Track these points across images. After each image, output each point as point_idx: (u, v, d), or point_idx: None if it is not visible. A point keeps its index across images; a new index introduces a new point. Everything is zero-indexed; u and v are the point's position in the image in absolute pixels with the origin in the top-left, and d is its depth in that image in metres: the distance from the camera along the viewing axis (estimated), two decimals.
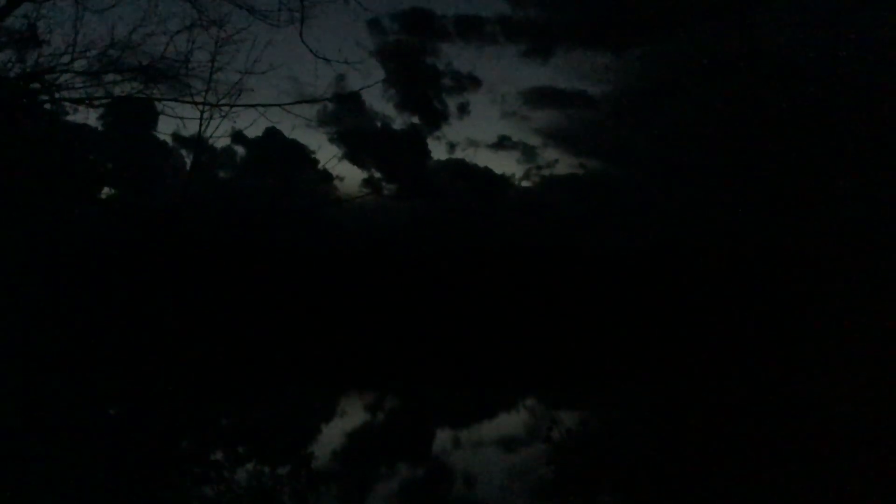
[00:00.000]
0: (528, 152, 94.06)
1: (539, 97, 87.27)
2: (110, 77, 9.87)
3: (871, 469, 9.56)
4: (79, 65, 9.49)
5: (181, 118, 10.86)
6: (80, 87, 9.61)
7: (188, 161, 12.29)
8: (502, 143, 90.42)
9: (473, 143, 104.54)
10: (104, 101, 9.99)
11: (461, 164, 67.64)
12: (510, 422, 18.75)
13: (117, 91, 10.02)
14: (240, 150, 44.58)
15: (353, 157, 58.49)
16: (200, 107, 10.88)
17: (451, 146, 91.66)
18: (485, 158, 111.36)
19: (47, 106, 9.78)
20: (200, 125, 11.23)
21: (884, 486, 9.25)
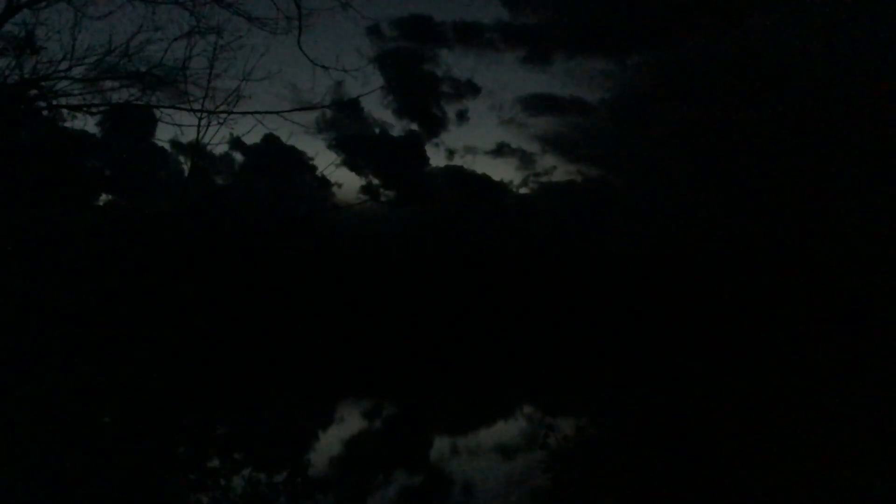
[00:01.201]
0: (526, 159, 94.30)
1: (538, 104, 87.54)
2: (108, 84, 9.90)
3: (869, 474, 9.57)
4: (76, 71, 9.51)
5: (179, 125, 10.87)
6: (77, 94, 9.64)
7: (186, 168, 12.27)
8: (501, 150, 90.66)
9: (472, 150, 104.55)
10: (102, 107, 10.02)
11: (459, 170, 67.78)
12: (507, 428, 18.72)
13: (115, 98, 10.04)
14: (238, 156, 44.71)
15: (351, 163, 58.59)
16: (198, 114, 10.87)
17: (450, 153, 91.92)
18: (483, 165, 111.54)
19: (45, 113, 9.79)
20: (198, 132, 11.21)
21: (882, 488, 9.26)
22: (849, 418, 12.07)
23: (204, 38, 10.32)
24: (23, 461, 7.20)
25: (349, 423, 19.02)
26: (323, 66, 10.58)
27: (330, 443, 16.17)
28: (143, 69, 9.98)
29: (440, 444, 16.80)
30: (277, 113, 10.71)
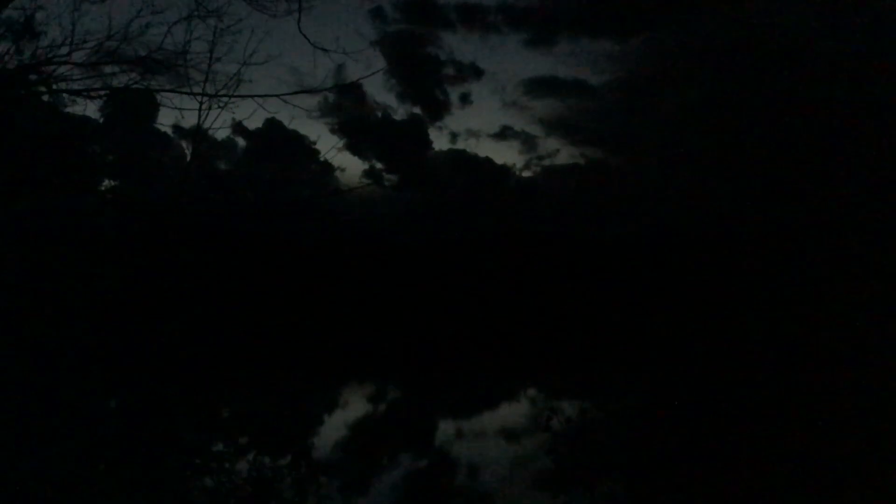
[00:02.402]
0: (530, 142, 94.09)
1: (541, 87, 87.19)
2: (108, 68, 9.85)
3: (870, 463, 9.59)
4: (77, 56, 9.45)
5: (180, 109, 10.82)
6: (78, 79, 9.59)
7: (189, 152, 12.24)
8: (504, 133, 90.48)
9: (475, 134, 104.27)
10: (102, 92, 9.96)
11: (462, 154, 67.83)
12: (510, 411, 18.78)
13: (115, 82, 9.99)
14: (240, 141, 44.63)
15: (354, 147, 58.56)
16: (199, 98, 10.82)
17: (453, 136, 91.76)
18: (486, 148, 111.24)
19: (45, 98, 9.75)
20: (199, 116, 11.18)
21: (882, 482, 9.27)
22: (849, 410, 12.09)
23: (204, 21, 10.25)
24: (26, 447, 7.24)
25: (354, 406, 19.11)
26: (323, 49, 10.49)
27: (335, 426, 16.25)
28: (143, 53, 9.93)
29: (444, 427, 16.88)
30: (278, 96, 10.65)
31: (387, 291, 40.47)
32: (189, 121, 11.55)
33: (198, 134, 11.53)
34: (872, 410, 11.44)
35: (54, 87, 9.53)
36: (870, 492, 8.94)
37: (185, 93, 10.55)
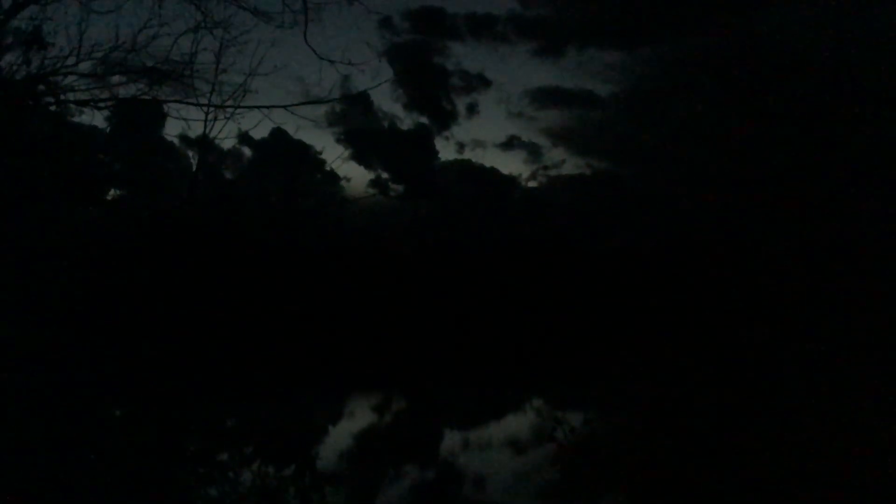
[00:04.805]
0: (536, 152, 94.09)
1: (547, 97, 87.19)
2: (115, 79, 9.91)
3: (871, 469, 9.52)
4: (84, 66, 9.52)
5: (186, 119, 10.89)
6: (85, 89, 9.66)
7: (195, 162, 12.33)
8: (510, 143, 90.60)
9: (481, 144, 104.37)
10: (109, 102, 10.03)
11: (468, 164, 67.71)
12: (515, 421, 18.73)
13: (122, 93, 10.05)
14: (246, 150, 44.87)
15: (360, 157, 58.66)
16: (205, 108, 10.89)
17: (460, 146, 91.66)
18: (493, 158, 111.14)
19: (52, 108, 9.81)
20: (205, 126, 11.25)
21: (883, 486, 9.21)
22: (851, 416, 12.01)
23: (210, 32, 10.32)
24: (28, 455, 7.25)
25: (358, 416, 19.07)
26: (329, 60, 10.55)
27: (339, 436, 16.22)
28: (150, 64, 9.99)
29: (449, 438, 16.82)
30: (284, 107, 10.71)
31: (392, 301, 40.38)
32: (196, 131, 11.61)
33: (204, 144, 11.62)
34: (881, 429, 11.36)
35: (62, 97, 9.60)
36: None
37: (192, 103, 10.63)
